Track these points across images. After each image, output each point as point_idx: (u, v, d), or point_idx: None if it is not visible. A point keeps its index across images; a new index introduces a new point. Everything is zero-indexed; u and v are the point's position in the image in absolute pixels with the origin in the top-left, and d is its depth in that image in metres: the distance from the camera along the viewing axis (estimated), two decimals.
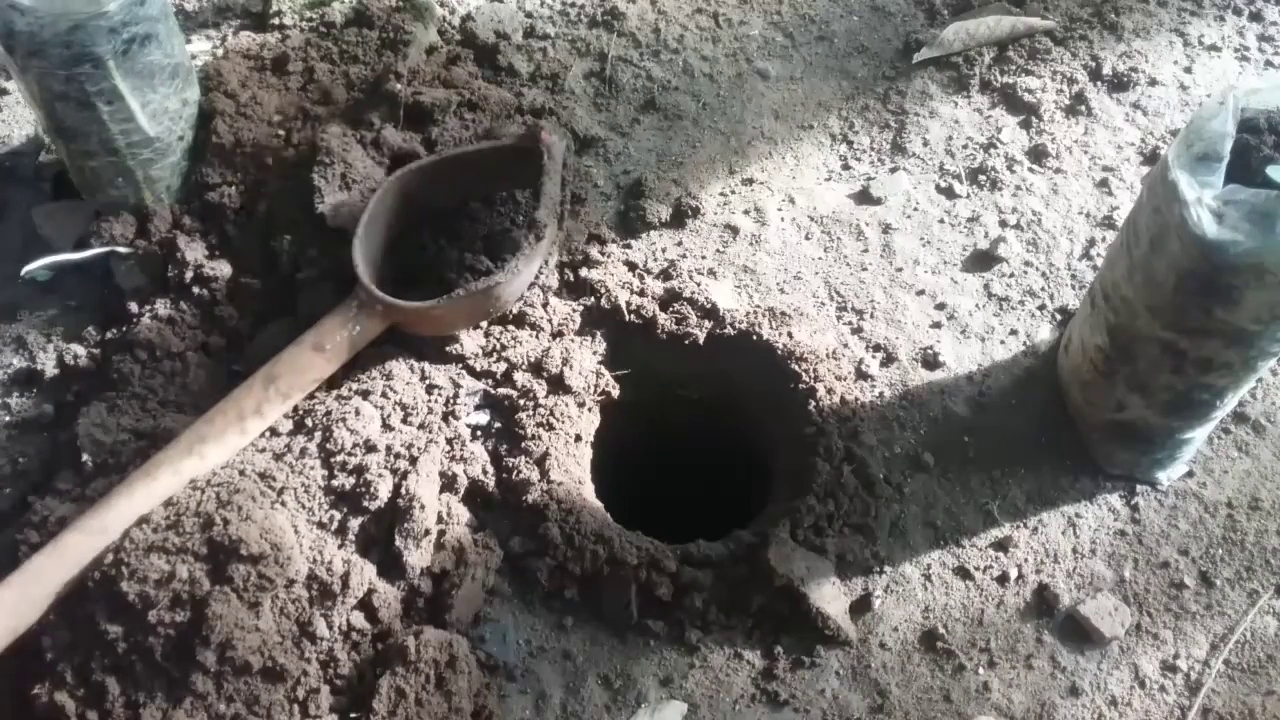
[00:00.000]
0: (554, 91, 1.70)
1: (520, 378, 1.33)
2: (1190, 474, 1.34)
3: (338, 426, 1.23)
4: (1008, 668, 1.20)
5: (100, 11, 1.28)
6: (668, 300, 1.45)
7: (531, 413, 1.30)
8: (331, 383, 1.31)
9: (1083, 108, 1.70)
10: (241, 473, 1.18)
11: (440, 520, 1.22)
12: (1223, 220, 1.02)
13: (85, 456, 1.26)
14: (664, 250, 1.53)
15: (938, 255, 1.55)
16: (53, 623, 1.10)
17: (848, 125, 1.71)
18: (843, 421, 1.35)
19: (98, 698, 1.07)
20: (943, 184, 1.63)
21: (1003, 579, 1.26)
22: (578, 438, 1.33)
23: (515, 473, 1.27)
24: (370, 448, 1.22)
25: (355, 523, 1.18)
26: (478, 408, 1.32)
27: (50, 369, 1.39)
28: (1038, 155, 1.65)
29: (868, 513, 1.29)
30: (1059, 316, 1.47)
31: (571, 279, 1.46)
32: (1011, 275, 1.52)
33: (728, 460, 1.63)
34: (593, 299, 1.43)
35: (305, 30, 1.73)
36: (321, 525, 1.17)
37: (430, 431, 1.27)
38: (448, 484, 1.25)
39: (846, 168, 1.66)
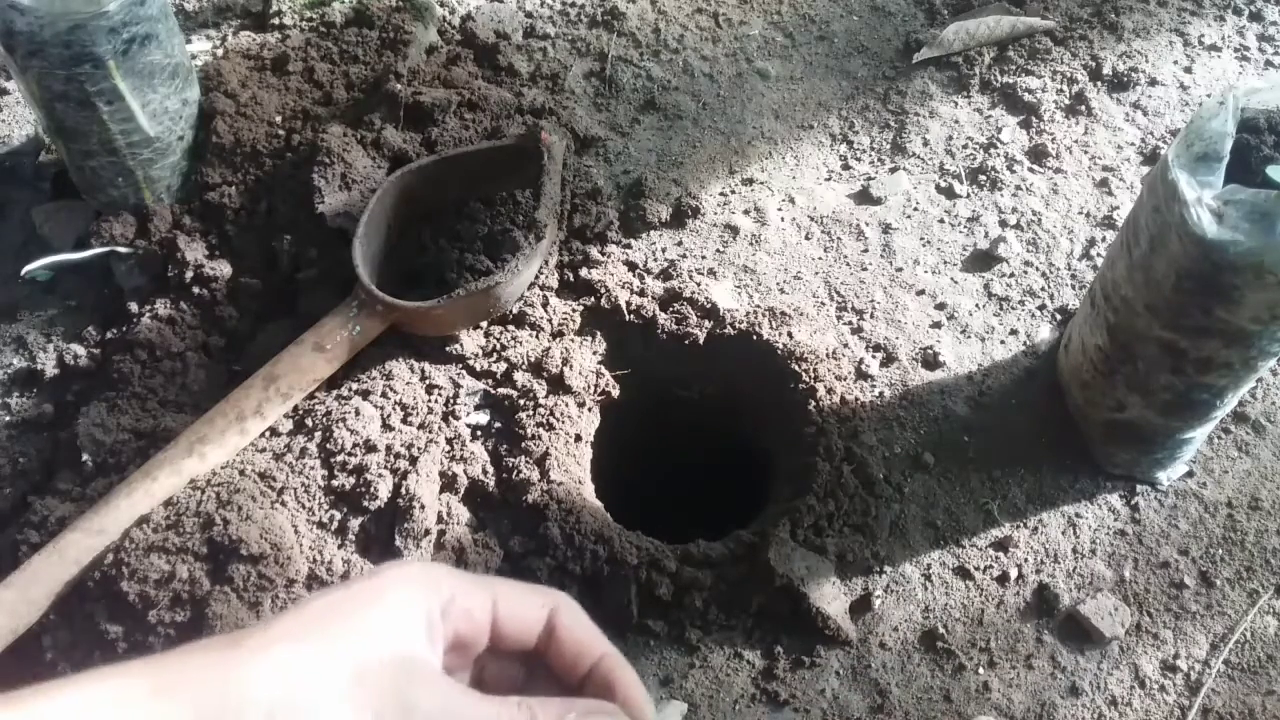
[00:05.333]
0: (554, 91, 1.70)
1: (520, 378, 1.33)
2: (1190, 474, 1.34)
3: (338, 426, 1.23)
4: (1008, 668, 1.20)
5: (100, 11, 1.28)
6: (668, 300, 1.45)
7: (531, 413, 1.30)
8: (331, 383, 1.31)
9: (1083, 108, 1.70)
10: (241, 473, 1.18)
11: (440, 520, 1.22)
12: (1223, 220, 1.02)
13: (85, 456, 1.26)
14: (664, 250, 1.53)
15: (938, 255, 1.55)
16: (53, 623, 1.10)
17: (848, 125, 1.71)
18: (843, 421, 1.35)
19: None
20: (943, 184, 1.63)
21: (1003, 579, 1.26)
22: (578, 438, 1.33)
23: (515, 473, 1.27)
24: (370, 448, 1.22)
25: (355, 523, 1.19)
26: (478, 408, 1.32)
27: (50, 369, 1.39)
28: (1038, 155, 1.65)
29: (868, 512, 1.29)
30: (1059, 316, 1.47)
31: (571, 279, 1.46)
32: (1011, 275, 1.52)
33: (727, 460, 1.63)
34: (593, 299, 1.43)
35: (305, 30, 1.73)
36: (321, 525, 1.17)
37: (430, 431, 1.27)
38: (448, 484, 1.25)
39: (846, 168, 1.66)
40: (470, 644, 0.53)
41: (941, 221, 1.59)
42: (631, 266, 1.50)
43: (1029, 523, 1.30)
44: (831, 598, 1.21)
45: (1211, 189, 1.04)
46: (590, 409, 1.36)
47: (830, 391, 1.37)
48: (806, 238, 1.56)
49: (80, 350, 1.40)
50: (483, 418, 1.32)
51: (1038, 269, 1.52)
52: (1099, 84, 1.74)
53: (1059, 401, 1.38)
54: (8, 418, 1.36)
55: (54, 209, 1.55)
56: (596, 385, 1.36)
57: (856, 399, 1.38)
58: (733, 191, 1.61)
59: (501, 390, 1.33)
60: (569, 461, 1.30)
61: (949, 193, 1.62)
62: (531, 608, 0.54)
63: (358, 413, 1.24)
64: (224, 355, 1.40)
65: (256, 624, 0.49)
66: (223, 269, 1.44)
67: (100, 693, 0.44)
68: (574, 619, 0.55)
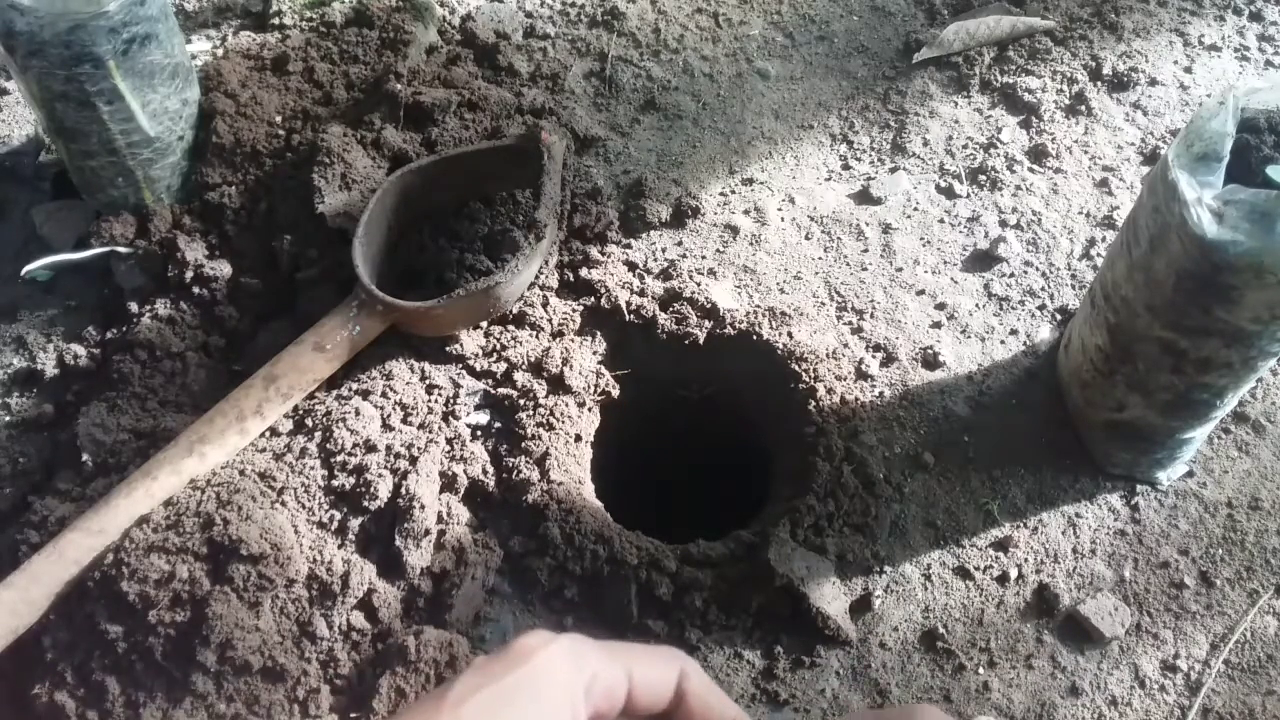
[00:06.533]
0: (554, 91, 1.70)
1: (520, 378, 1.33)
2: (1190, 474, 1.34)
3: (338, 426, 1.23)
4: (1008, 668, 1.20)
5: (100, 11, 1.28)
6: (668, 300, 1.45)
7: (531, 413, 1.30)
8: (331, 383, 1.31)
9: (1083, 108, 1.70)
10: (241, 473, 1.18)
11: (440, 520, 1.22)
12: (1223, 220, 1.02)
13: (85, 456, 1.26)
14: (664, 250, 1.53)
15: (938, 255, 1.55)
16: (53, 623, 1.10)
17: (848, 125, 1.71)
18: (843, 421, 1.35)
19: (98, 698, 1.07)
20: (943, 184, 1.63)
21: (1003, 579, 1.26)
22: (578, 438, 1.33)
23: (515, 473, 1.27)
24: (370, 448, 1.22)
25: (355, 523, 1.19)
26: (478, 408, 1.32)
27: (50, 369, 1.39)
28: (1038, 155, 1.65)
29: (868, 512, 1.29)
30: (1059, 316, 1.47)
31: (571, 279, 1.46)
32: (1011, 275, 1.52)
33: (728, 460, 1.63)
34: (593, 299, 1.43)
35: (305, 30, 1.73)
36: (321, 525, 1.17)
37: (430, 431, 1.27)
38: (448, 484, 1.25)
39: (846, 168, 1.66)
40: (606, 716, 0.55)
41: (941, 221, 1.59)
42: (631, 266, 1.50)
43: (1029, 523, 1.30)
44: (831, 598, 1.21)
45: (1211, 189, 1.04)
46: (590, 409, 1.36)
47: (830, 391, 1.37)
48: (806, 238, 1.56)
49: (80, 350, 1.40)
50: (483, 418, 1.32)
51: (1038, 269, 1.52)
52: (1099, 84, 1.74)
53: (1059, 401, 1.38)
54: (8, 418, 1.36)
55: (54, 209, 1.55)
56: (596, 385, 1.36)
57: (856, 399, 1.38)
58: (733, 191, 1.61)
59: (501, 390, 1.33)
60: (569, 461, 1.30)
61: (949, 193, 1.61)
62: (662, 675, 0.55)
63: (358, 413, 1.24)
64: (224, 355, 1.40)
65: (414, 714, 0.50)
66: (223, 269, 1.44)
67: None
68: (703, 685, 0.57)
